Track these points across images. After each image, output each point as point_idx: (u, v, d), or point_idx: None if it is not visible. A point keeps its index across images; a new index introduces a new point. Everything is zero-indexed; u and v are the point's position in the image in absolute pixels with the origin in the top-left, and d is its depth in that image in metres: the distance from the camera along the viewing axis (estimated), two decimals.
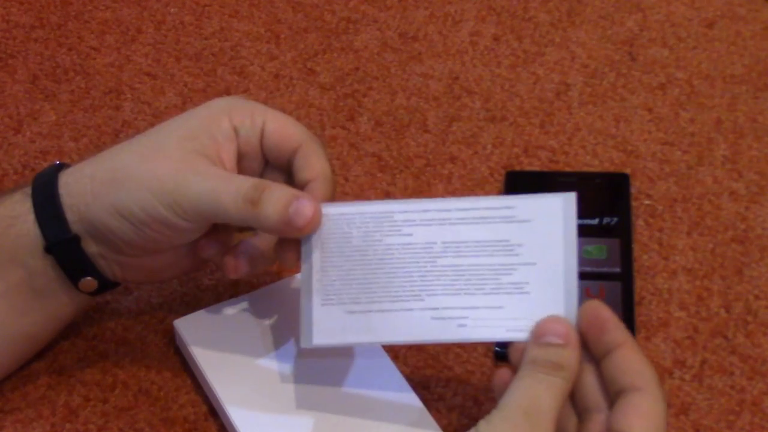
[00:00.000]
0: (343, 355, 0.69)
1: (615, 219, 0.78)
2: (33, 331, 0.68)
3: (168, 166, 0.63)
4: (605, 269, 0.75)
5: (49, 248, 0.64)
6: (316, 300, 0.63)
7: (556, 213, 0.60)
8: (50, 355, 0.72)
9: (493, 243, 0.61)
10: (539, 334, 0.59)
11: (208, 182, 0.62)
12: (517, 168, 0.82)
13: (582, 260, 0.75)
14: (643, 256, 0.77)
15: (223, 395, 0.67)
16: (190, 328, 0.70)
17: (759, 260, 0.76)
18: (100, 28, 0.93)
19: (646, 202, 0.80)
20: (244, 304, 0.71)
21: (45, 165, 0.82)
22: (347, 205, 0.63)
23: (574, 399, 0.60)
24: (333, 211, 0.63)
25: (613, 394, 0.58)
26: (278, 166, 0.67)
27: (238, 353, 0.69)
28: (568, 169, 0.82)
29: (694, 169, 0.82)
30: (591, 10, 0.93)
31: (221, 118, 0.65)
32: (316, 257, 0.63)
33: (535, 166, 0.82)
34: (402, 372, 0.68)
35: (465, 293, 0.61)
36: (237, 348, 0.69)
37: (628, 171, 0.82)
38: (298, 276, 0.73)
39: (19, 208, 0.65)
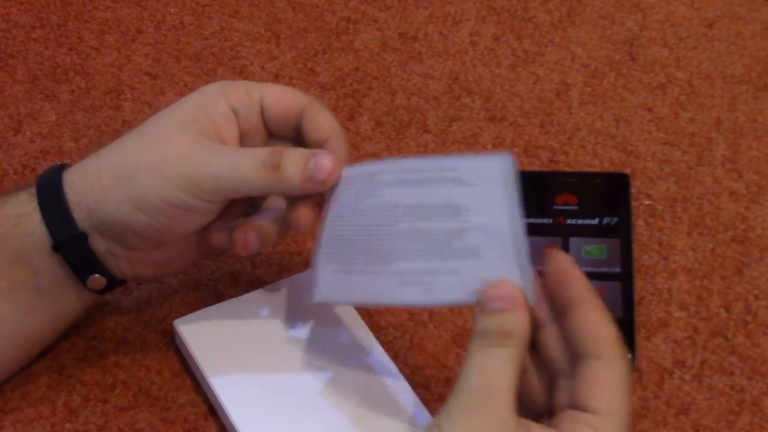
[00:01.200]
0: (343, 355, 0.69)
1: (615, 219, 0.78)
2: (38, 330, 0.68)
3: (178, 150, 0.63)
4: (605, 269, 0.75)
5: (57, 246, 0.64)
6: (321, 258, 0.64)
7: (495, 175, 0.59)
8: (50, 355, 0.71)
9: (444, 207, 0.60)
10: (483, 301, 0.56)
11: (224, 157, 0.63)
12: (517, 168, 0.82)
13: (582, 260, 0.76)
14: (643, 256, 0.77)
15: (223, 395, 0.67)
16: (190, 328, 0.70)
17: (759, 260, 0.76)
18: (100, 28, 0.93)
19: (646, 202, 0.80)
20: (244, 304, 0.71)
21: (45, 165, 0.82)
22: (355, 166, 0.64)
23: (540, 363, 0.58)
24: (345, 172, 0.64)
25: (574, 357, 0.56)
26: (284, 136, 0.67)
27: (238, 353, 0.69)
28: (568, 169, 0.82)
29: (694, 169, 0.82)
30: (591, 10, 0.93)
31: (217, 100, 0.65)
32: (328, 215, 0.64)
33: (535, 166, 0.82)
34: (402, 372, 0.68)
35: (424, 258, 0.60)
36: (237, 348, 0.69)
37: (628, 171, 0.82)
38: (298, 276, 0.73)
39: (25, 207, 0.65)
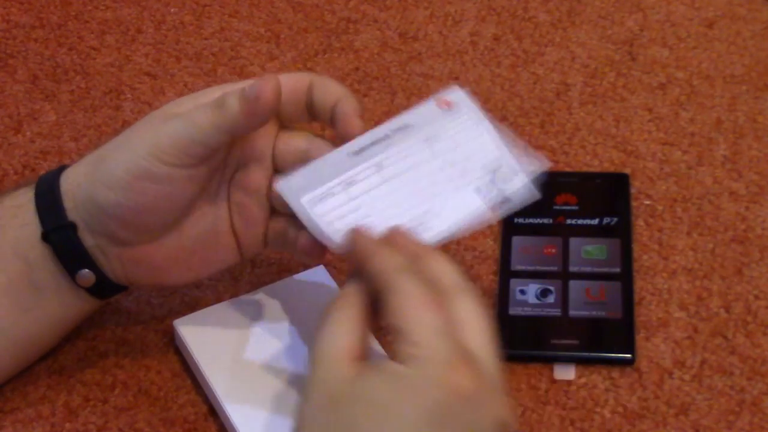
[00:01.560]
0: None
1: (615, 219, 0.78)
2: (35, 330, 0.68)
3: (148, 126, 0.64)
4: (605, 269, 0.75)
5: (45, 235, 0.65)
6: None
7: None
8: (50, 356, 0.71)
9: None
10: None
11: (180, 117, 0.64)
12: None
13: (582, 260, 0.76)
14: (643, 256, 0.77)
15: (223, 395, 0.67)
16: (189, 328, 0.70)
17: (759, 260, 0.76)
18: (100, 28, 0.93)
19: (646, 202, 0.80)
20: (244, 304, 0.72)
21: (45, 165, 0.83)
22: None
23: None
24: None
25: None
26: (296, 119, 0.67)
27: (238, 353, 0.69)
28: (568, 169, 0.82)
29: (694, 169, 0.82)
30: (591, 10, 0.93)
31: (213, 91, 0.66)
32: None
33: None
34: None
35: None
36: (237, 348, 0.69)
37: (628, 171, 0.82)
38: (297, 276, 0.73)
39: (22, 199, 0.66)
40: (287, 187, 0.64)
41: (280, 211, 0.67)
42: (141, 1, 0.94)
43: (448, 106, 0.67)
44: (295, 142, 0.66)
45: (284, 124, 0.67)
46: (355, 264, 0.60)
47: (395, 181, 0.65)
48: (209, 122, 0.63)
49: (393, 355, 0.55)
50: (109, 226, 0.65)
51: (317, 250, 0.65)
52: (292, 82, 0.66)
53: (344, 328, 0.57)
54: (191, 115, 0.63)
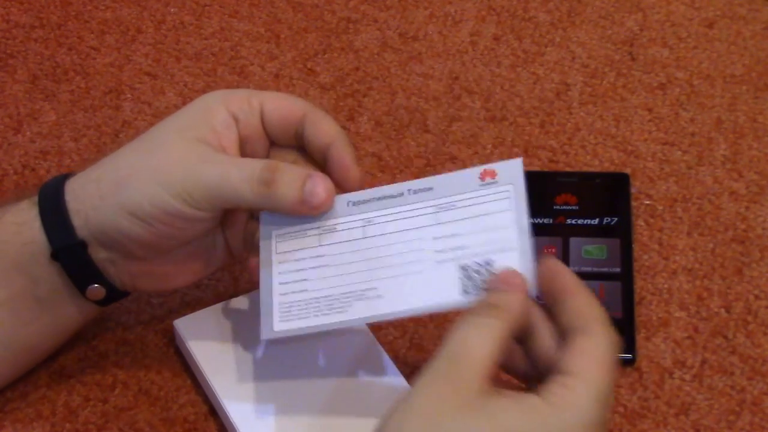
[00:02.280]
0: (343, 354, 0.69)
1: (615, 219, 0.78)
2: (36, 341, 0.67)
3: (173, 156, 0.63)
4: (605, 269, 0.75)
5: (56, 254, 0.64)
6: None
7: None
8: (50, 356, 0.71)
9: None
10: (489, 284, 0.58)
11: (217, 167, 0.62)
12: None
13: (582, 260, 0.76)
14: (643, 256, 0.77)
15: (223, 395, 0.67)
16: (189, 328, 0.70)
17: (759, 260, 0.76)
18: (100, 28, 0.93)
19: (646, 202, 0.80)
20: (244, 304, 0.71)
21: (45, 165, 0.83)
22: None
23: (535, 360, 0.58)
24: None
25: (562, 341, 0.57)
26: (285, 144, 0.66)
27: (238, 353, 0.69)
28: (568, 169, 0.82)
29: (694, 169, 0.82)
30: (591, 10, 0.93)
31: (217, 108, 0.65)
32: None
33: (535, 166, 0.82)
34: (402, 372, 0.68)
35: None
36: (237, 348, 0.69)
37: (628, 171, 0.82)
38: None
39: (25, 216, 0.64)
40: (267, 216, 0.64)
41: (255, 216, 0.67)
42: (141, 1, 0.94)
43: (492, 177, 0.61)
44: (284, 157, 0.66)
45: (273, 142, 0.67)
46: (547, 293, 0.58)
47: (373, 241, 0.62)
48: (251, 193, 0.61)
49: (532, 387, 0.55)
50: (125, 247, 0.64)
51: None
52: (284, 109, 0.65)
53: (496, 342, 0.55)
54: (230, 173, 0.62)
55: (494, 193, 0.60)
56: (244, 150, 0.66)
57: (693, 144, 0.84)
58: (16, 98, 0.87)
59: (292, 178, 0.62)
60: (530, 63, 0.90)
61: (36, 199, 0.65)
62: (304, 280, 0.62)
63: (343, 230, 0.62)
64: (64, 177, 0.66)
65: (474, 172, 0.61)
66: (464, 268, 0.60)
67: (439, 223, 0.61)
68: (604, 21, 0.93)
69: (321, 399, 0.67)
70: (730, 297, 0.74)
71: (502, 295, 0.57)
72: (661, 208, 0.80)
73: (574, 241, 0.77)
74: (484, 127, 0.85)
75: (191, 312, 0.71)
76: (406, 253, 0.61)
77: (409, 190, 0.62)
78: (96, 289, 0.66)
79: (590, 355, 0.55)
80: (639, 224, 0.79)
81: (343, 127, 0.85)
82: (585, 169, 0.82)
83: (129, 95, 0.88)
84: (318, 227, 0.63)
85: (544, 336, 0.58)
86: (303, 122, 0.65)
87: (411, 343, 0.72)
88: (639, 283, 0.75)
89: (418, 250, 0.61)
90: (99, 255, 0.65)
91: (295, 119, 0.65)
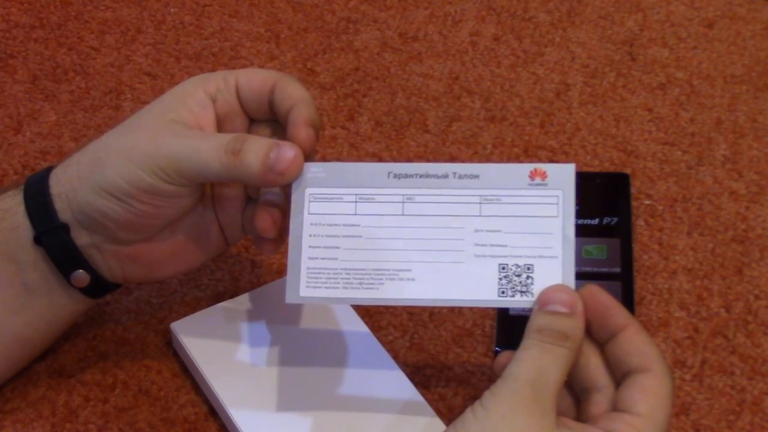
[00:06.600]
0: (342, 354, 0.69)
1: (615, 219, 0.78)
2: (27, 332, 0.67)
3: (146, 134, 0.64)
4: (605, 269, 0.75)
5: (38, 238, 0.64)
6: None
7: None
8: (50, 355, 0.71)
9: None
10: (544, 302, 0.58)
11: (187, 140, 0.63)
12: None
13: (582, 260, 0.75)
14: (643, 256, 0.77)
15: (224, 395, 0.67)
16: (187, 330, 0.70)
17: (759, 260, 0.76)
18: (100, 28, 0.93)
19: (646, 202, 0.80)
20: (244, 304, 0.71)
21: (45, 165, 0.82)
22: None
23: (571, 380, 0.59)
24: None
25: (619, 376, 0.58)
26: (263, 117, 0.67)
27: (237, 353, 0.69)
28: None
29: (694, 169, 0.82)
30: (591, 10, 0.93)
31: (195, 90, 0.66)
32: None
33: None
34: (402, 371, 0.68)
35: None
36: (236, 348, 0.69)
37: (628, 171, 0.82)
38: None
39: (10, 201, 0.65)
40: (305, 168, 0.62)
41: (254, 198, 0.67)
42: (141, 1, 0.94)
43: (542, 177, 0.60)
44: (261, 132, 0.67)
45: (252, 119, 0.67)
46: (595, 324, 0.59)
47: (411, 220, 0.61)
48: (219, 163, 0.62)
49: (595, 422, 0.56)
50: (107, 227, 0.64)
51: (271, 230, 0.65)
52: (256, 81, 0.66)
53: (566, 372, 0.57)
54: (198, 144, 0.62)
55: (543, 196, 0.60)
56: (223, 128, 0.66)
57: (693, 144, 0.84)
58: (16, 98, 0.87)
59: (259, 147, 0.62)
60: (530, 63, 0.90)
61: (23, 186, 0.66)
62: (336, 248, 0.61)
63: (381, 202, 0.61)
64: (53, 166, 0.67)
65: (524, 168, 0.60)
66: (503, 268, 0.60)
67: (482, 215, 0.60)
68: (604, 21, 0.93)
69: (321, 398, 0.67)
70: (730, 297, 0.74)
71: (569, 322, 0.58)
72: (661, 208, 0.80)
73: None
74: (484, 127, 0.85)
75: (191, 312, 0.71)
76: (446, 240, 0.60)
77: (454, 173, 0.61)
78: (81, 274, 0.65)
79: (656, 396, 0.57)
80: (639, 224, 0.79)
81: (343, 128, 0.85)
82: (585, 169, 0.82)
83: (129, 95, 0.88)
84: (355, 194, 0.62)
85: (589, 354, 0.59)
86: (273, 90, 0.65)
87: (411, 343, 0.72)
88: (639, 283, 0.75)
89: (457, 239, 0.60)
90: (83, 240, 0.65)
91: (267, 89, 0.66)
